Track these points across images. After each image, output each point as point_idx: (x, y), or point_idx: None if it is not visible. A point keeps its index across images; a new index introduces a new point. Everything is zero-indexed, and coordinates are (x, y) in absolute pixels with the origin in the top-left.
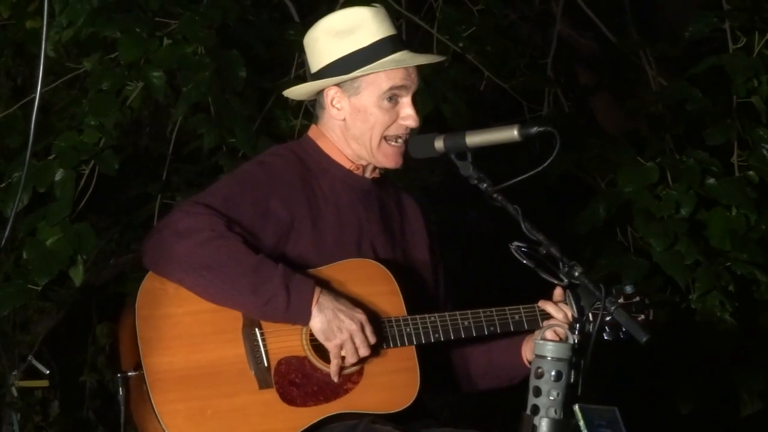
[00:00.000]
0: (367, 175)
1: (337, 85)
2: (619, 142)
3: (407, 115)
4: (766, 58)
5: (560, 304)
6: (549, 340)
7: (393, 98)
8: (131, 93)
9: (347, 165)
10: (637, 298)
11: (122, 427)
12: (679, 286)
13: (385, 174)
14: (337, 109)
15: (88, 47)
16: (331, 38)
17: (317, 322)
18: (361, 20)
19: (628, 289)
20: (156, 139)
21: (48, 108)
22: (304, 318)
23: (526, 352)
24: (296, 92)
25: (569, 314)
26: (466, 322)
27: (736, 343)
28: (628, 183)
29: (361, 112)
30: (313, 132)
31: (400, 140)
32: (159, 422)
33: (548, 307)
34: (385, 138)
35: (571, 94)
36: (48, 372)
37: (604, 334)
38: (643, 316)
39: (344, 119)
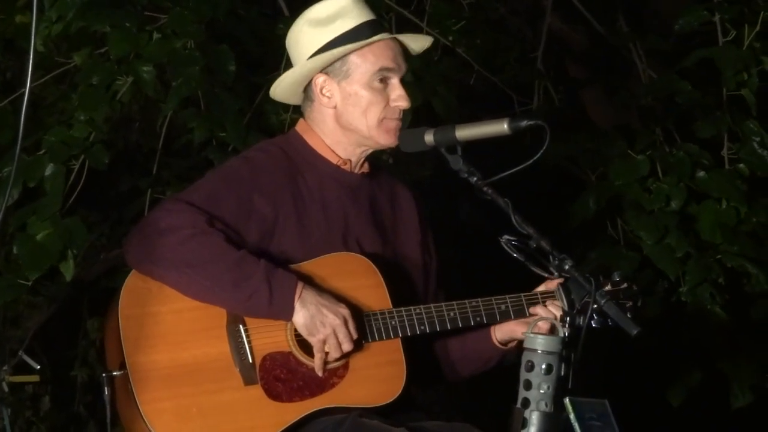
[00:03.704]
0: (356, 170)
1: (326, 73)
2: (609, 135)
3: (398, 95)
4: (756, 51)
5: (550, 306)
6: (539, 333)
7: (384, 80)
8: (121, 87)
9: (334, 160)
10: (625, 285)
11: (108, 426)
12: (669, 279)
13: (380, 165)
14: (327, 97)
15: (77, 42)
16: (313, 29)
17: (300, 317)
18: (341, 7)
19: (616, 276)
20: (146, 133)
21: (38, 103)
22: (287, 313)
23: (496, 333)
24: (282, 88)
25: (558, 315)
26: (451, 314)
27: (726, 336)
28: (619, 176)
29: (353, 96)
30: (300, 126)
31: (397, 120)
32: (144, 421)
33: (539, 311)
34: (383, 119)
35: (562, 87)
36: (39, 367)
37: (592, 322)
38: (631, 303)
39: (335, 107)
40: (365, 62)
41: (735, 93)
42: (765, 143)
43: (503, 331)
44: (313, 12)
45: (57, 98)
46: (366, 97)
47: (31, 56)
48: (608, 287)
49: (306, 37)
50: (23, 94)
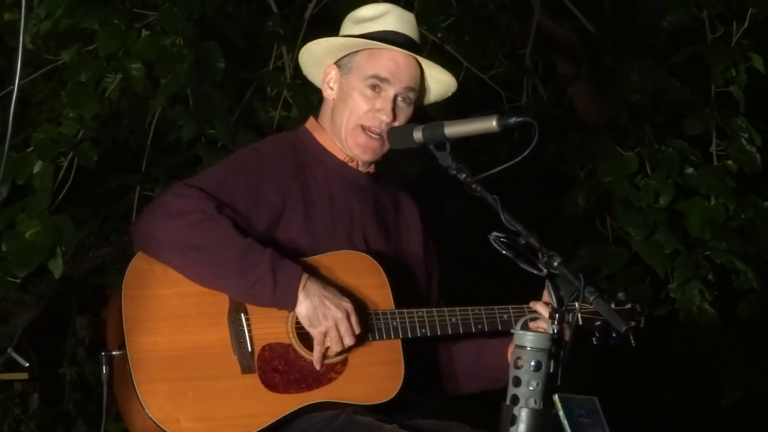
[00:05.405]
0: (362, 168)
1: (337, 66)
2: (598, 132)
3: (382, 107)
4: (744, 48)
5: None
6: (528, 330)
7: (376, 88)
8: (110, 85)
9: (342, 157)
10: (629, 306)
11: (105, 407)
12: (658, 276)
13: (383, 170)
14: (331, 89)
15: (66, 39)
16: (352, 24)
17: (303, 308)
18: (385, 12)
19: (621, 296)
20: (135, 130)
21: (26, 100)
22: (290, 303)
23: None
24: (311, 60)
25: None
26: (453, 319)
27: (715, 333)
28: (608, 173)
29: (345, 93)
30: (310, 123)
31: (374, 135)
32: (140, 402)
33: (539, 308)
34: (361, 126)
35: (550, 84)
36: (27, 365)
37: (594, 339)
38: (633, 323)
39: (334, 99)
40: (367, 64)
41: (723, 90)
42: (753, 140)
43: None
44: (358, 11)
45: (46, 95)
46: (353, 99)
47: (20, 54)
48: (612, 305)
49: (342, 31)
50: (12, 91)
